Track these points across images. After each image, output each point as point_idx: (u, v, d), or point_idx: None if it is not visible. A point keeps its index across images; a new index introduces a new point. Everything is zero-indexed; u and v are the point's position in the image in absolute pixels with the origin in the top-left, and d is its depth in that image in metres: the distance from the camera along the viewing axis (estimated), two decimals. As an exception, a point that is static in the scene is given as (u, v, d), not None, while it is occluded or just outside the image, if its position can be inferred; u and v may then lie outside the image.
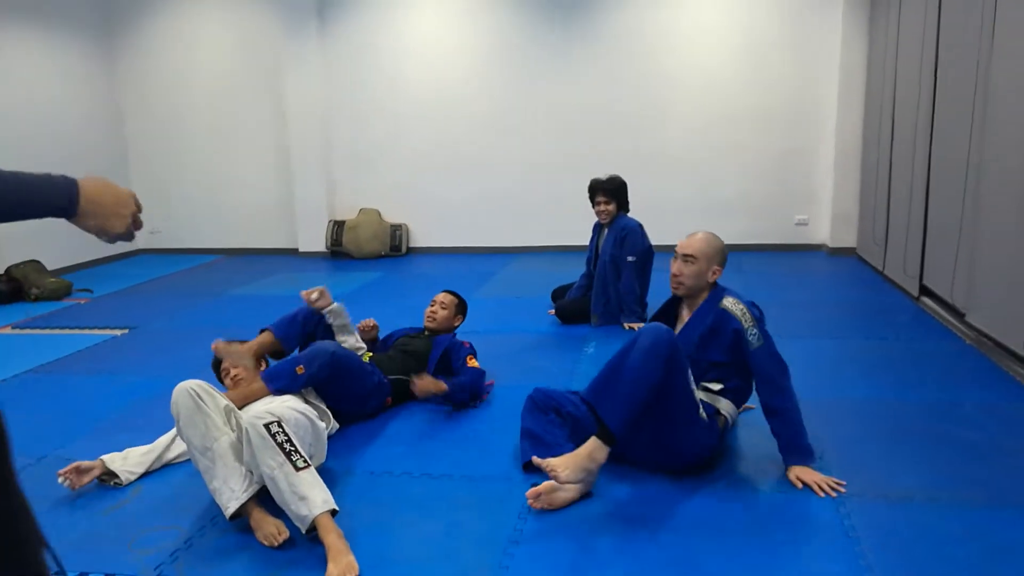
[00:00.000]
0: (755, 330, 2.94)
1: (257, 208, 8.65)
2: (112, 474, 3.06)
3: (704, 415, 2.90)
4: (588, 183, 5.29)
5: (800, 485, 2.87)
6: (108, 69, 8.53)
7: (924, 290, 5.44)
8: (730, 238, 7.55)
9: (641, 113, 7.65)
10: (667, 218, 7.66)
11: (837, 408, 3.62)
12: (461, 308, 4.23)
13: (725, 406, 3.06)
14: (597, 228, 5.41)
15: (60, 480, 2.97)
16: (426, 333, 4.12)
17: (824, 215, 7.55)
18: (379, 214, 8.27)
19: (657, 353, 2.69)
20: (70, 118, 8.01)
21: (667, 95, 7.61)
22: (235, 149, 8.56)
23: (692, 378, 2.87)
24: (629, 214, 5.29)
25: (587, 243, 5.54)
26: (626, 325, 5.06)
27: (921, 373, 4.10)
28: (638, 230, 5.15)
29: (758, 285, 6.21)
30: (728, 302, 3.02)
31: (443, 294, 4.21)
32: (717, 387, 3.06)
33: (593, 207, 5.27)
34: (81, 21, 8.14)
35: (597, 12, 7.57)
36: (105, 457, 3.09)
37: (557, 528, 2.66)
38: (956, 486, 2.83)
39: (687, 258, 3.11)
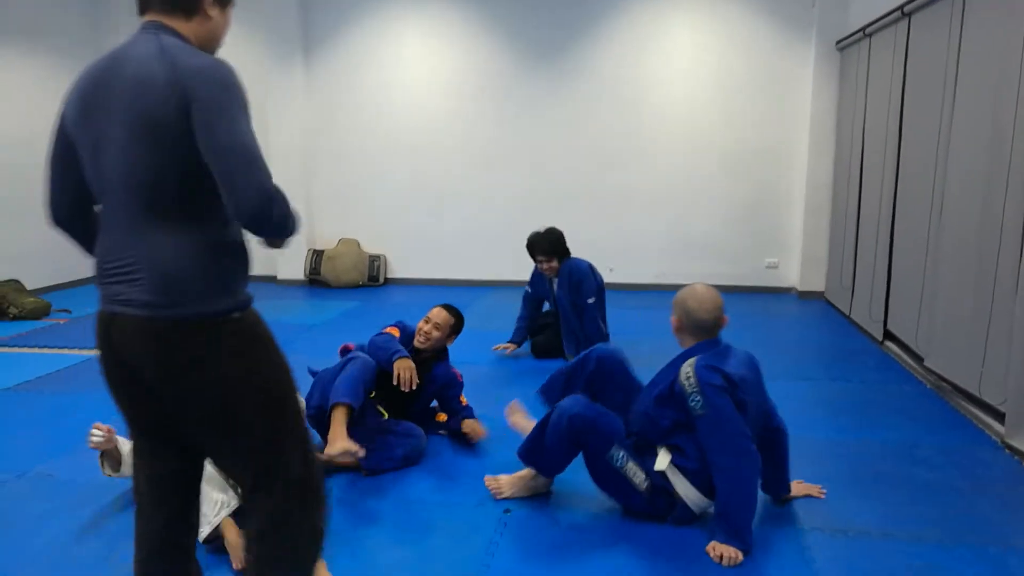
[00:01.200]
0: (698, 397, 2.73)
1: (238, 234, 8.70)
2: (119, 462, 3.03)
3: (642, 485, 2.88)
4: (526, 241, 5.32)
5: (714, 556, 2.70)
6: (94, 92, 8.59)
7: (888, 335, 5.62)
8: (701, 279, 7.71)
9: (619, 153, 7.84)
10: (641, 257, 7.87)
11: (802, 447, 3.72)
12: (456, 328, 3.92)
13: (683, 489, 2.87)
14: (541, 275, 5.45)
15: (93, 433, 2.96)
16: (420, 356, 3.81)
17: (794, 259, 7.74)
18: (358, 244, 8.36)
19: (560, 436, 2.96)
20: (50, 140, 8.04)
21: (645, 136, 7.80)
22: (218, 175, 8.62)
23: (618, 447, 2.90)
24: (572, 254, 5.35)
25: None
26: None
27: (882, 415, 4.24)
28: (588, 272, 5.21)
29: (728, 326, 6.33)
30: (686, 365, 2.82)
31: (438, 310, 3.85)
32: (667, 459, 2.87)
33: (535, 263, 5.34)
34: (70, 46, 8.20)
35: (579, 53, 7.78)
36: (123, 442, 3.04)
37: (529, 555, 2.75)
38: (913, 524, 2.96)
39: None
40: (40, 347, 5.72)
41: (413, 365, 3.54)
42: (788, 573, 2.61)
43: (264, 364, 1.88)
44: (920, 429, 4.00)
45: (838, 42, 7.09)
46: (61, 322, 6.60)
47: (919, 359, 4.93)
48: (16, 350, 5.67)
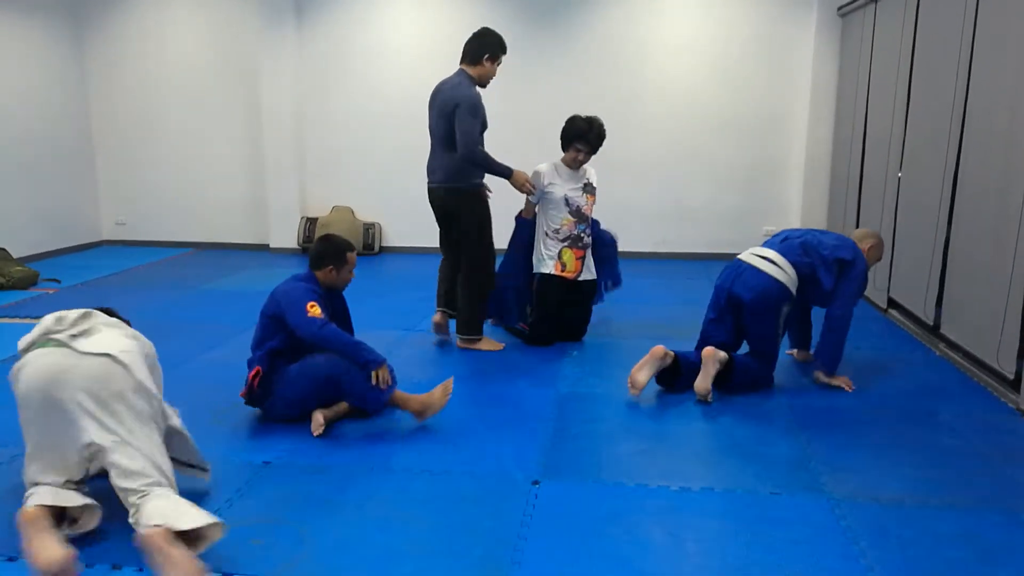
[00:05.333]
0: None
1: (227, 202, 8.54)
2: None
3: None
4: (568, 126, 4.85)
5: None
6: (76, 56, 8.33)
7: (891, 302, 5.61)
8: (699, 246, 7.83)
9: (615, 121, 7.63)
10: (640, 225, 7.81)
11: (822, 414, 3.73)
12: None
13: None
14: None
15: None
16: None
17: (792, 226, 7.71)
18: (352, 212, 8.23)
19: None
20: (36, 105, 7.82)
21: (641, 103, 7.71)
22: (206, 141, 8.44)
23: None
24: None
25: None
26: None
27: (896, 381, 4.24)
28: None
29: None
30: None
31: (353, 256, 3.78)
32: None
33: (568, 152, 4.83)
34: (50, 10, 7.94)
35: (576, 20, 7.66)
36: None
37: (565, 523, 2.71)
38: (942, 490, 2.96)
39: None
40: (33, 318, 5.58)
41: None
42: (827, 544, 2.58)
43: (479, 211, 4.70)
44: (937, 396, 4.01)
45: (840, 8, 7.01)
46: (50, 292, 6.44)
47: (927, 327, 4.93)
48: (7, 320, 5.53)
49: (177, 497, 2.51)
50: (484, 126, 4.60)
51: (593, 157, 4.93)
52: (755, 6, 7.42)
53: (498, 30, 7.92)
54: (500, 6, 7.74)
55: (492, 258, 4.79)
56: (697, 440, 3.47)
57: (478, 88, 4.59)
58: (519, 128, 7.89)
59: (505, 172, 4.64)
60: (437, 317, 4.93)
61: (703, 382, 3.86)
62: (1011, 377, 3.88)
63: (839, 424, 3.62)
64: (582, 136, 4.76)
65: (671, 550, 2.55)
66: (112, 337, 2.72)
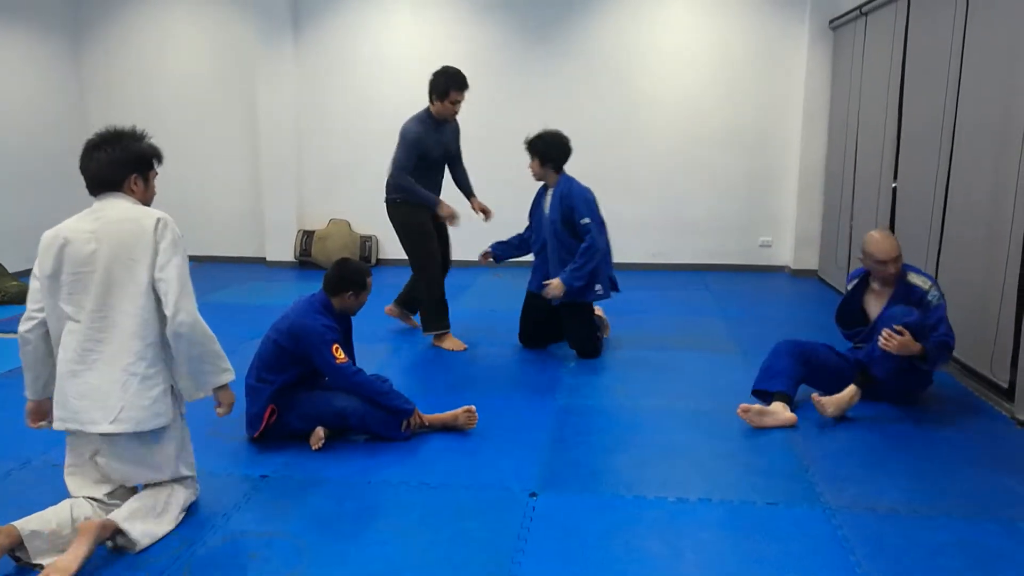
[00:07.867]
0: (935, 291, 3.85)
1: (224, 216, 8.55)
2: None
3: None
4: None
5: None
6: (75, 71, 8.36)
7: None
8: (695, 257, 7.86)
9: (611, 132, 7.78)
10: (636, 236, 7.83)
11: (818, 425, 3.74)
12: None
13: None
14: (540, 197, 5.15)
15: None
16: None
17: (787, 238, 7.76)
18: (349, 225, 8.25)
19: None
20: (33, 118, 7.84)
21: (637, 115, 7.76)
22: (204, 155, 8.46)
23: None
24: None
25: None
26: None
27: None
28: (584, 197, 4.85)
29: (725, 302, 6.38)
30: (915, 277, 3.92)
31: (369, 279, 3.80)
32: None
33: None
34: (49, 22, 7.98)
35: (572, 32, 7.71)
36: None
37: (563, 535, 2.72)
38: (938, 499, 2.97)
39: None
40: (29, 332, 5.57)
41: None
42: (824, 554, 2.60)
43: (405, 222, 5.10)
44: (932, 405, 4.02)
45: (831, 21, 7.07)
46: (47, 306, 6.44)
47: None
48: (4, 336, 5.53)
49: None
50: (428, 158, 5.03)
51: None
52: (749, 20, 7.47)
53: (496, 43, 8.08)
54: (497, 20, 7.78)
55: (431, 263, 5.13)
56: (694, 451, 3.47)
57: (439, 120, 5.03)
58: (516, 137, 7.91)
59: (430, 201, 5.08)
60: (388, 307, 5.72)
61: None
62: (1005, 386, 3.90)
63: (835, 435, 3.64)
64: (527, 145, 5.00)
65: (669, 561, 2.56)
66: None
